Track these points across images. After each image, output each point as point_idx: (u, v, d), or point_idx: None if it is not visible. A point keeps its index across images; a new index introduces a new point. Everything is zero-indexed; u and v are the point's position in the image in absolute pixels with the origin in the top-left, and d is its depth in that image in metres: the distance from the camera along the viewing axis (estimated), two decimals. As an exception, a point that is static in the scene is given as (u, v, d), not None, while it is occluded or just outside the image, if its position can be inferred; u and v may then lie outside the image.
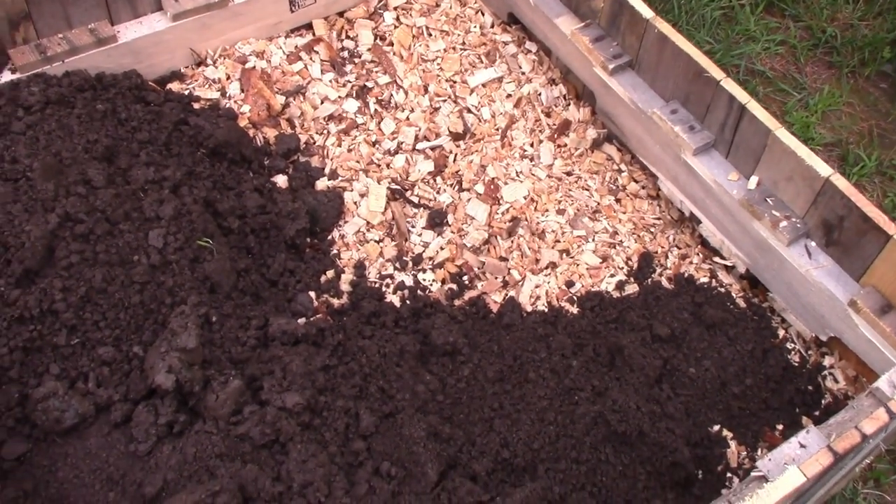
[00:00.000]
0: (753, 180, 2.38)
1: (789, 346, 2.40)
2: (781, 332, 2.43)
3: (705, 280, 2.51)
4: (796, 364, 2.37)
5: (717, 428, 2.22)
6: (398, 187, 2.66)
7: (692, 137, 2.45)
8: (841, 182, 2.17)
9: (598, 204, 2.68)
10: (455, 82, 2.89)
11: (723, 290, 2.49)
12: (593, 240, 2.60)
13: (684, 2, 3.76)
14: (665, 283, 2.51)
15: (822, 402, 2.33)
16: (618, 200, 2.70)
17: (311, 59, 2.88)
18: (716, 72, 2.36)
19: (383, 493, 1.94)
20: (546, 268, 2.53)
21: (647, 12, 2.49)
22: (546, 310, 2.44)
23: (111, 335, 2.13)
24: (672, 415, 2.15)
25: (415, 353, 2.23)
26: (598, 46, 2.64)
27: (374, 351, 2.20)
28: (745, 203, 2.34)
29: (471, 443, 2.07)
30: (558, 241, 2.58)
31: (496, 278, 2.52)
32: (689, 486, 2.12)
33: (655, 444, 2.07)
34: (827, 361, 2.38)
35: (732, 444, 2.21)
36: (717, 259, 2.54)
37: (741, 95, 2.32)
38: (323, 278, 2.48)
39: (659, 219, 2.67)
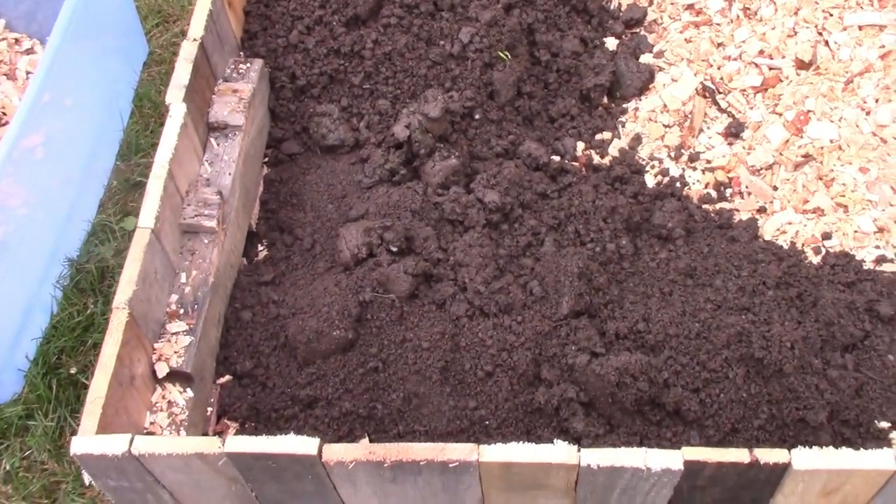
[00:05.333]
0: None
1: None
2: None
3: (982, 293, 2.17)
4: None
5: (886, 425, 1.97)
6: (712, 87, 2.63)
7: None
8: None
9: (913, 180, 2.40)
10: (830, 15, 2.71)
11: None
12: (883, 210, 2.35)
13: None
14: (934, 279, 2.21)
15: None
16: (937, 185, 2.39)
17: (699, -52, 2.89)
18: None
19: (515, 299, 2.07)
20: (812, 211, 2.37)
21: None
22: (785, 246, 2.30)
23: (392, 93, 2.48)
24: (833, 379, 1.96)
25: (626, 218, 2.27)
26: None
27: (590, 199, 2.29)
28: None
29: (619, 305, 2.10)
30: (842, 195, 2.39)
31: (757, 201, 2.42)
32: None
33: (791, 391, 1.92)
34: None
35: (896, 449, 1.96)
36: None
37: None
38: (598, 136, 2.59)
39: (972, 220, 2.32)
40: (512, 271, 2.16)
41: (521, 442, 1.60)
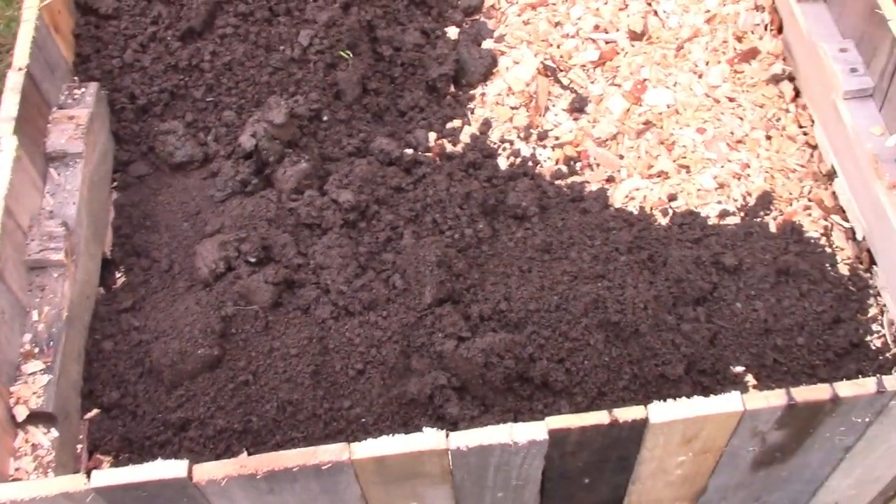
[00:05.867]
0: (894, 139, 2.12)
1: (875, 327, 2.15)
2: (874, 311, 2.17)
3: (815, 235, 2.30)
4: (873, 347, 2.12)
5: (740, 369, 2.08)
6: (553, 65, 2.70)
7: (849, 80, 2.23)
8: (971, 152, 1.89)
9: (746, 135, 2.52)
10: (658, -15, 2.83)
11: (829, 250, 2.27)
12: (721, 167, 2.47)
13: None
14: (772, 226, 2.33)
15: (889, 398, 2.07)
16: (768, 137, 2.52)
17: (528, -67, 2.96)
18: (890, 9, 2.12)
19: (378, 295, 2.09)
20: (657, 175, 2.47)
21: (847, -64, 2.27)
22: (635, 212, 2.39)
23: (236, 103, 2.46)
24: (687, 333, 2.05)
25: (481, 203, 2.31)
26: (796, -31, 2.45)
27: (444, 187, 2.32)
28: (873, 158, 2.11)
29: (480, 287, 2.14)
30: (683, 157, 2.49)
31: (605, 171, 2.50)
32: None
33: (649, 349, 2.00)
34: (914, 360, 2.10)
35: (752, 391, 2.06)
36: (837, 219, 2.31)
37: (904, 39, 2.07)
38: (449, 125, 2.62)
39: (803, 167, 2.46)
40: (374, 268, 2.17)
41: (398, 434, 1.62)
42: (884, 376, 1.65)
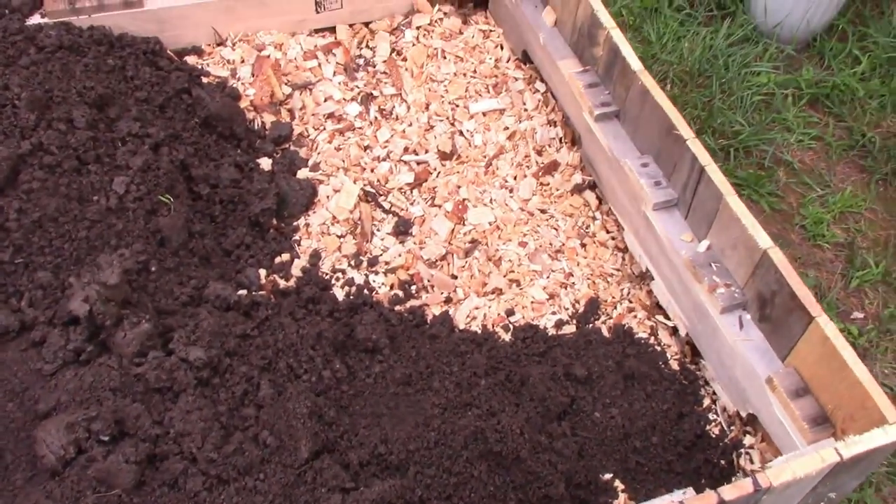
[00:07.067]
0: (704, 244, 2.37)
1: (711, 416, 2.36)
2: (707, 402, 2.38)
3: (644, 335, 2.50)
4: (714, 436, 2.32)
5: (608, 476, 2.19)
6: (373, 191, 2.74)
7: (655, 192, 2.46)
8: (778, 256, 2.14)
9: (563, 245, 2.70)
10: (457, 106, 2.97)
11: (659, 348, 2.47)
12: (547, 277, 2.62)
13: (724, 81, 3.77)
14: (605, 331, 2.50)
15: (733, 479, 2.27)
16: (583, 245, 2.71)
17: (326, 59, 3.01)
18: (685, 130, 2.37)
19: (252, 457, 1.99)
20: (492, 292, 2.56)
21: (636, 64, 2.53)
22: (479, 331, 2.46)
23: (52, 262, 2.26)
24: (559, 450, 2.14)
25: (332, 341, 2.28)
26: (590, 92, 2.68)
27: (294, 330, 2.27)
28: (690, 264, 2.33)
29: (353, 432, 2.11)
30: (512, 271, 2.61)
31: (441, 293, 2.56)
32: (564, 525, 2.09)
33: (531, 473, 2.06)
34: (748, 441, 2.32)
35: (622, 496, 2.18)
36: (660, 318, 2.52)
37: (703, 157, 2.32)
38: (277, 259, 2.57)
39: (619, 270, 2.67)
40: (237, 427, 2.06)
41: None
42: (756, 473, 1.81)
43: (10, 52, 2.47)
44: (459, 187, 2.76)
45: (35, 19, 2.68)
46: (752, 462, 2.30)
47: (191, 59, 2.90)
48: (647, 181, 2.48)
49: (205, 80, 2.85)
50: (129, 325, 2.13)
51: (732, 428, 2.35)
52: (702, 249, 2.37)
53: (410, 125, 2.92)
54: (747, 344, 2.23)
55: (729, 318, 2.27)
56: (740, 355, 2.22)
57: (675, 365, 2.45)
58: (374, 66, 3.05)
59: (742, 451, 2.31)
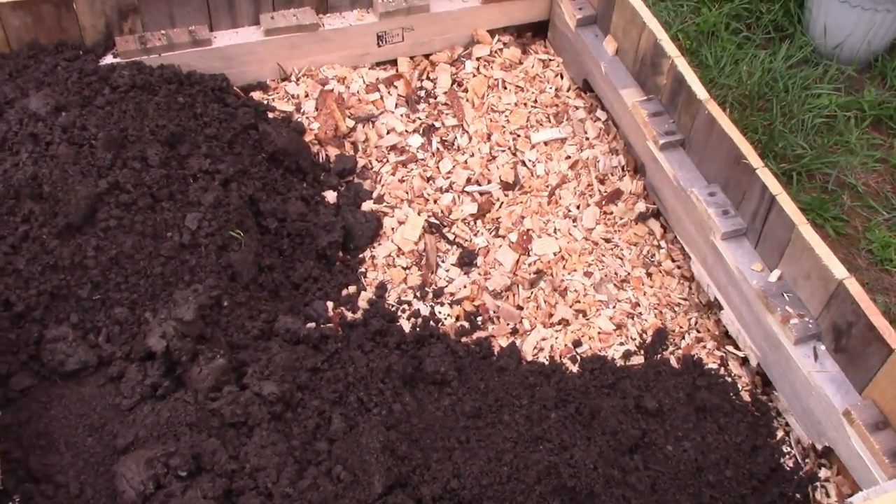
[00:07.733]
0: (775, 273, 2.34)
1: (785, 448, 2.32)
2: (780, 434, 2.35)
3: (714, 366, 2.47)
4: (788, 469, 2.28)
5: (682, 511, 2.17)
6: (437, 222, 2.76)
7: (724, 222, 2.44)
8: (854, 287, 2.11)
9: (629, 274, 2.68)
10: (518, 136, 2.98)
11: (729, 379, 2.44)
12: (613, 307, 2.60)
13: (784, 104, 3.73)
14: (673, 361, 2.48)
15: (809, 513, 2.23)
16: (649, 274, 2.69)
17: (388, 92, 3.05)
18: (754, 160, 2.35)
19: (326, 492, 2.00)
20: (558, 323, 2.56)
21: (701, 93, 2.52)
22: (546, 362, 2.46)
23: (129, 298, 2.31)
24: (633, 484, 2.12)
25: (401, 374, 2.30)
26: (654, 121, 2.68)
27: (363, 363, 2.29)
28: (762, 294, 2.31)
29: (426, 467, 2.11)
30: (578, 302, 2.61)
31: (507, 324, 2.56)
32: (639, 561, 2.07)
33: (605, 508, 2.05)
34: (823, 473, 2.28)
35: (704, 535, 2.15)
36: (730, 348, 2.50)
37: (774, 186, 2.30)
38: (344, 292, 2.59)
39: (686, 300, 2.64)
40: (311, 461, 2.08)
41: None
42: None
43: (85, 93, 2.54)
44: (523, 217, 2.77)
45: (108, 59, 2.75)
46: (828, 496, 2.25)
47: (257, 95, 2.95)
48: (715, 210, 2.46)
49: (271, 115, 2.90)
50: (204, 361, 2.16)
51: (807, 460, 2.31)
52: (773, 279, 2.34)
53: (472, 156, 2.93)
54: (823, 375, 2.20)
55: (803, 349, 2.24)
56: (815, 387, 2.19)
57: (746, 396, 2.42)
58: (436, 98, 3.07)
59: (818, 484, 2.27)
